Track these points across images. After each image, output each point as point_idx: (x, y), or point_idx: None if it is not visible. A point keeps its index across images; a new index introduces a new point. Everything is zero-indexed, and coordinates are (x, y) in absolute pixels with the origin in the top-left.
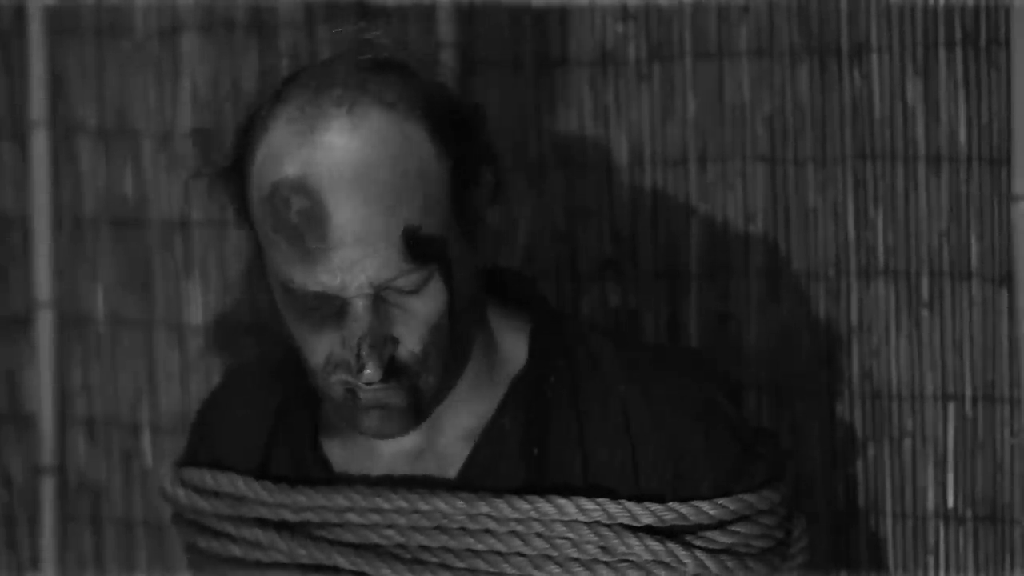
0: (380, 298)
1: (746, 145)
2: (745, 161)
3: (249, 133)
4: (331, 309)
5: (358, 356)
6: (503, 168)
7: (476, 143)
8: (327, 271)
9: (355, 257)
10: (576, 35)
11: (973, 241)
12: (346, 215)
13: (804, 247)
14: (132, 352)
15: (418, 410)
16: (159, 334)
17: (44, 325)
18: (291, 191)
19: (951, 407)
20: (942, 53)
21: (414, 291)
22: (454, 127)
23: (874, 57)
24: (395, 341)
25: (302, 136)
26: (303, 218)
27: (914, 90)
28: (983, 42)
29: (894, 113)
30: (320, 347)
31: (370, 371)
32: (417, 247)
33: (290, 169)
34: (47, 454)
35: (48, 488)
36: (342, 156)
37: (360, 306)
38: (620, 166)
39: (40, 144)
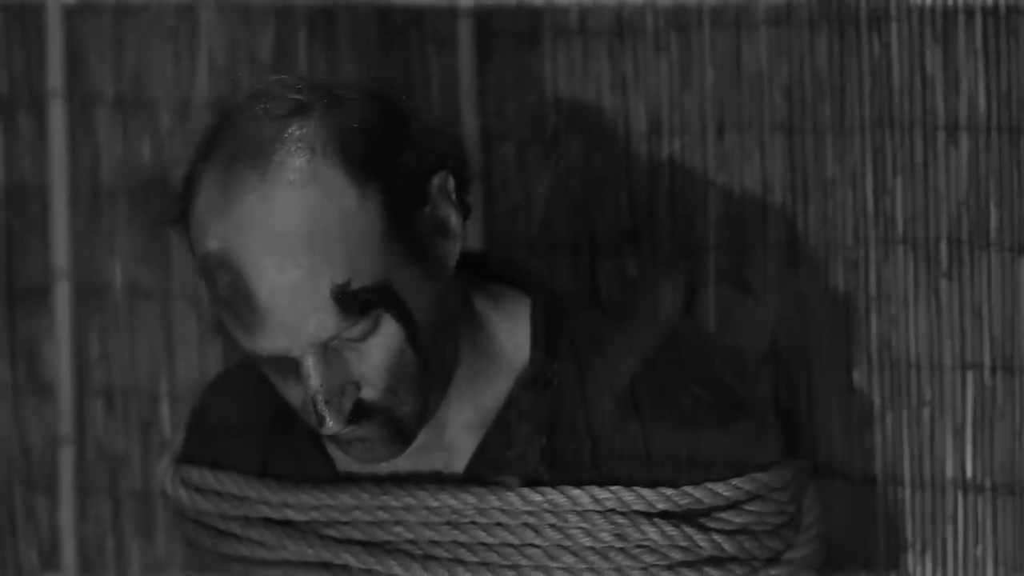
0: (331, 349)
1: (764, 114)
2: (763, 130)
3: (187, 190)
4: (289, 363)
5: (316, 411)
6: (465, 161)
7: (415, 157)
8: (266, 338)
9: (289, 323)
10: (594, 5)
11: (992, 210)
12: (270, 286)
13: (822, 217)
14: (150, 322)
15: (403, 435)
16: (177, 304)
17: (62, 295)
18: (216, 267)
19: (970, 376)
20: (961, 21)
21: (363, 338)
22: (382, 154)
23: (893, 25)
24: (356, 386)
25: (220, 207)
26: (230, 292)
27: (933, 58)
28: (1003, 10)
29: (913, 82)
30: (292, 394)
31: (330, 425)
32: (351, 302)
33: (212, 243)
34: (65, 424)
35: (66, 458)
36: (259, 227)
37: (309, 364)
38: (638, 136)
39: (57, 115)
